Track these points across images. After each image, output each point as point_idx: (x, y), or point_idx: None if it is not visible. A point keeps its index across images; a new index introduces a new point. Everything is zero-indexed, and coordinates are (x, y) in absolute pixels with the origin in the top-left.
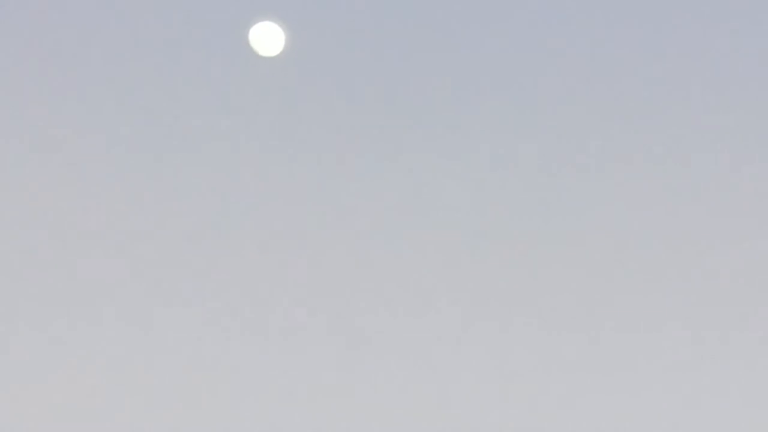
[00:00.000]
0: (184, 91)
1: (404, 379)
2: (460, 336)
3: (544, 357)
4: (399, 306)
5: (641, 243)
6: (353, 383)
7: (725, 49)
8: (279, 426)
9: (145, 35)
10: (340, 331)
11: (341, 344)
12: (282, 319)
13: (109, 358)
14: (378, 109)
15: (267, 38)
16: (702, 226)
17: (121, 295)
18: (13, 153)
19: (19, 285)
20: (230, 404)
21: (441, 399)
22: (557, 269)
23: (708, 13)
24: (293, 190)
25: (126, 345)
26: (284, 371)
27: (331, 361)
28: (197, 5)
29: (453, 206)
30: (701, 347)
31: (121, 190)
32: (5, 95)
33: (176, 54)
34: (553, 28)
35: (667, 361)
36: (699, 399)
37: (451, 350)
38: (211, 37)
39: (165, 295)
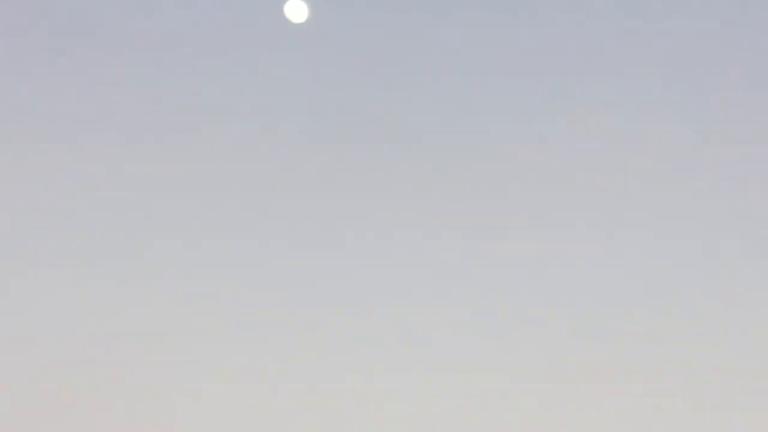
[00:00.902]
0: (236, 48)
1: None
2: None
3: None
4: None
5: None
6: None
7: None
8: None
9: (205, 9)
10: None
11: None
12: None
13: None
14: (384, 63)
15: (296, 10)
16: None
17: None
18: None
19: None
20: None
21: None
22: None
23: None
24: (319, 125)
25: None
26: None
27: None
28: None
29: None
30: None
31: (163, 147)
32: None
33: (233, 22)
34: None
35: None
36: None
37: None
38: (258, 11)
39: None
